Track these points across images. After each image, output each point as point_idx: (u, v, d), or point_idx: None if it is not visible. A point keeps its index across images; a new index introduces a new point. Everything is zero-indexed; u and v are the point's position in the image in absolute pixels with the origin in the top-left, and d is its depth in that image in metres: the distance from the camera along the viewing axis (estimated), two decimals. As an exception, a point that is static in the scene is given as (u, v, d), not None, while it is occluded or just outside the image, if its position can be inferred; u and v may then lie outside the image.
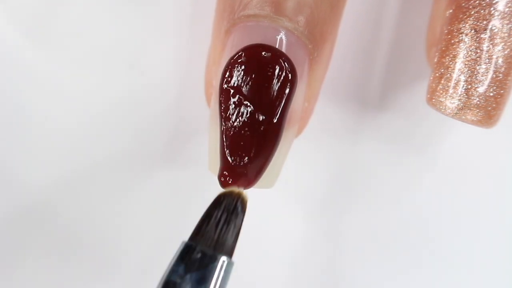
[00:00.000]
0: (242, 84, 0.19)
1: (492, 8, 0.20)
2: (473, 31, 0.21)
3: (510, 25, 0.20)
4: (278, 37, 0.20)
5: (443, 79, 0.21)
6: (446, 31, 0.21)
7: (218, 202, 0.19)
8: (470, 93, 0.21)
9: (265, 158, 0.19)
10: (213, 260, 0.17)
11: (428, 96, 0.22)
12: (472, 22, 0.21)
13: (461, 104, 0.21)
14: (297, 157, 0.23)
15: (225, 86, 0.19)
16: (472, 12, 0.21)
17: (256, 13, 0.20)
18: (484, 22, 0.20)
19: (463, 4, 0.21)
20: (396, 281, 0.26)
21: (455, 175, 0.26)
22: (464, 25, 0.21)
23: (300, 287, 0.26)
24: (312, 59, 0.20)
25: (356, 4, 0.24)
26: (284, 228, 0.25)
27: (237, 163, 0.19)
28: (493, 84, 0.21)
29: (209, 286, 0.16)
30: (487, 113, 0.21)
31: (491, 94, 0.21)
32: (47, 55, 0.25)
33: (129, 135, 0.25)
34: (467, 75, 0.21)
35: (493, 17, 0.20)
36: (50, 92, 0.25)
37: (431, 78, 0.22)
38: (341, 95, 0.25)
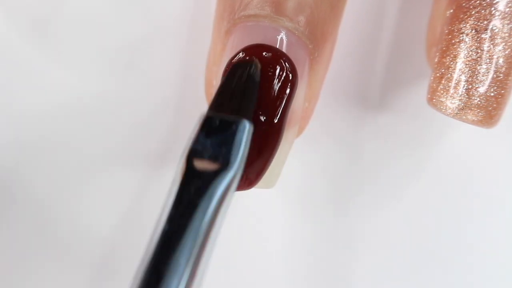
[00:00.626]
0: None
1: (492, 8, 0.20)
2: (473, 31, 0.21)
3: (511, 25, 0.20)
4: (279, 37, 0.20)
5: (443, 79, 0.21)
6: (446, 31, 0.21)
7: (232, 71, 0.19)
8: (471, 93, 0.21)
9: (266, 158, 0.19)
10: (232, 124, 0.17)
11: (429, 96, 0.22)
12: (472, 22, 0.21)
13: (462, 104, 0.21)
14: (298, 157, 0.23)
15: (226, 86, 0.19)
16: (473, 12, 0.21)
17: (257, 13, 0.20)
18: (485, 22, 0.20)
19: (464, 4, 0.21)
20: (396, 281, 0.25)
21: (455, 175, 0.25)
22: (464, 25, 0.21)
23: (299, 287, 0.26)
24: (313, 59, 0.20)
25: (356, 4, 0.24)
26: (284, 228, 0.25)
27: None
28: (493, 84, 0.21)
29: (231, 147, 0.17)
30: (488, 113, 0.21)
31: (492, 94, 0.21)
32: (46, 55, 0.25)
33: (128, 135, 0.25)
34: (468, 75, 0.21)
35: (494, 17, 0.20)
36: (50, 92, 0.25)
37: (432, 78, 0.22)
38: (341, 95, 0.25)
